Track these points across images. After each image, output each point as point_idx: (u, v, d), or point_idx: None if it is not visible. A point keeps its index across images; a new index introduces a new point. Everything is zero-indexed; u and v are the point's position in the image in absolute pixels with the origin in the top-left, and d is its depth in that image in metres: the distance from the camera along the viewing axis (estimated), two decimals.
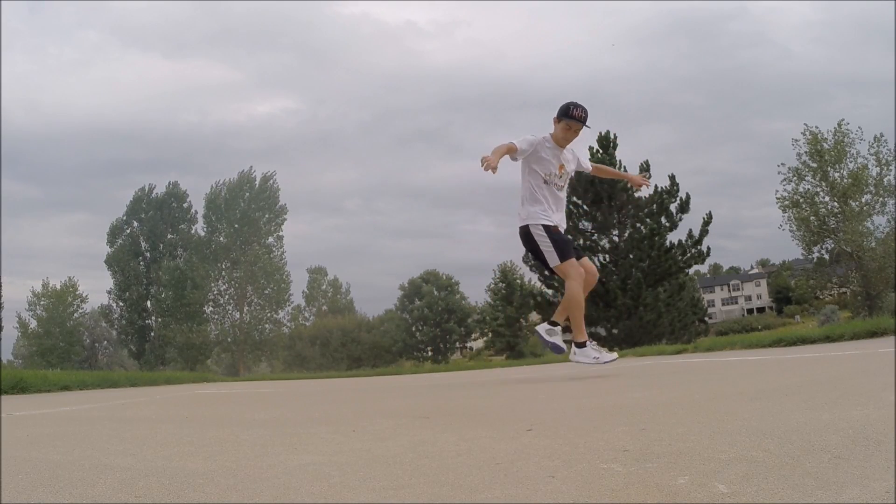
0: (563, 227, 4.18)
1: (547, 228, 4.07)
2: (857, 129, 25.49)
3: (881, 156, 25.14)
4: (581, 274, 4.04)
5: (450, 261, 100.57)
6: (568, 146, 4.15)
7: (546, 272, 5.58)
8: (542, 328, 4.32)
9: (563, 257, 4.02)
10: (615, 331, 20.63)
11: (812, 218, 25.66)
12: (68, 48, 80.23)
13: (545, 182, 4.11)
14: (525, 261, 22.66)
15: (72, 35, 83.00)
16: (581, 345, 4.11)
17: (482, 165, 3.66)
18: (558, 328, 4.28)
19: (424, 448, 1.60)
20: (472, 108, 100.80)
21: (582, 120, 3.99)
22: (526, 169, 4.13)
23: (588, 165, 4.48)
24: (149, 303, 43.14)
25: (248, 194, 43.55)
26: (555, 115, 4.07)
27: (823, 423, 1.50)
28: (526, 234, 4.13)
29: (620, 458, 1.29)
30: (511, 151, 3.97)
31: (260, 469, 1.45)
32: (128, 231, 43.39)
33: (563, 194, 4.25)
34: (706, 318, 36.55)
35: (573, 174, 4.35)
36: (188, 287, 40.66)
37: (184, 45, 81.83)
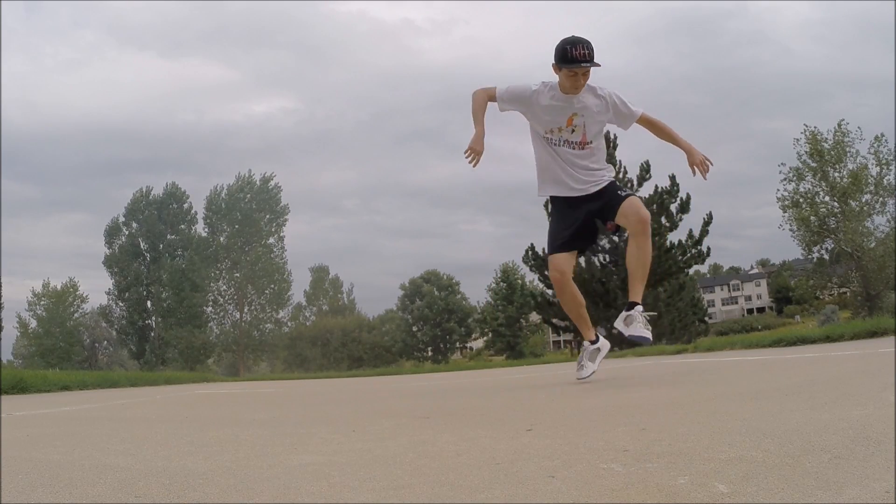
0: (588, 190, 3.37)
1: (554, 201, 3.50)
2: (856, 129, 25.55)
3: (881, 156, 25.17)
4: (554, 272, 3.42)
5: (450, 261, 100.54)
6: (594, 94, 3.30)
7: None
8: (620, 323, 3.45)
9: (548, 248, 3.50)
10: (615, 331, 20.62)
11: (812, 218, 25.68)
12: (64, 48, 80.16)
13: (548, 141, 3.36)
14: (525, 261, 22.67)
15: (68, 35, 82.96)
16: (591, 342, 3.61)
17: (467, 158, 3.27)
18: (634, 312, 3.36)
19: (424, 448, 1.60)
20: (470, 107, 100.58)
21: (588, 59, 3.11)
22: (531, 128, 3.47)
23: (635, 112, 3.39)
24: (149, 303, 43.20)
25: (248, 196, 43.63)
26: (553, 62, 3.22)
27: (823, 423, 1.50)
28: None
29: (620, 458, 1.29)
30: (492, 99, 3.37)
31: (260, 469, 1.45)
32: (126, 232, 43.43)
33: (587, 153, 3.36)
34: (706, 318, 36.57)
35: (602, 125, 3.38)
36: (187, 288, 40.72)
37: (180, 44, 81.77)
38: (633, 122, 3.43)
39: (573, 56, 3.10)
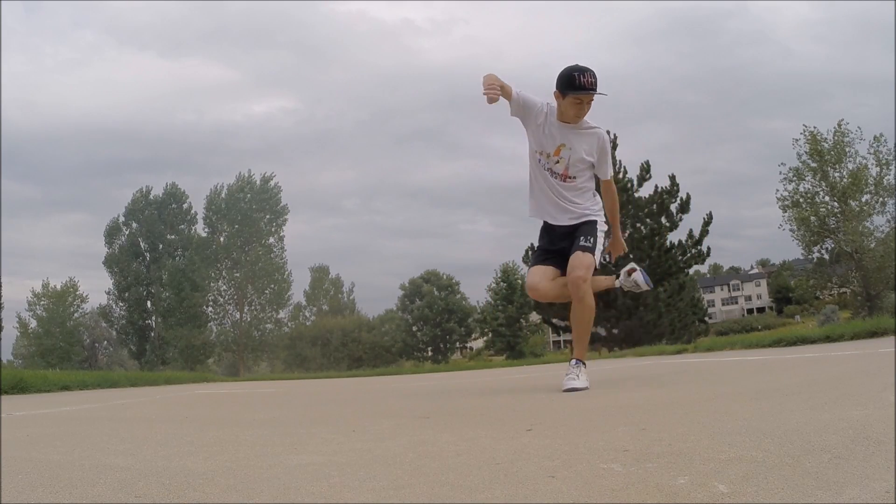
0: (566, 223, 3.34)
1: (543, 223, 3.47)
2: (856, 129, 25.57)
3: (881, 156, 25.18)
4: (530, 290, 3.45)
5: (450, 261, 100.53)
6: (589, 132, 3.29)
7: None
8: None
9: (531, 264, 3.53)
10: (615, 331, 20.65)
11: (812, 218, 25.69)
12: (64, 48, 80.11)
13: (538, 163, 3.33)
14: (525, 261, 22.66)
15: (68, 35, 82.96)
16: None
17: (485, 91, 3.08)
18: (570, 368, 3.30)
19: (424, 448, 1.60)
20: (470, 107, 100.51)
21: (594, 87, 3.11)
22: (529, 144, 3.40)
23: (605, 175, 3.42)
24: (149, 303, 43.24)
25: (248, 196, 43.65)
26: (555, 89, 3.20)
27: (823, 423, 1.50)
28: None
29: (620, 458, 1.29)
30: (507, 95, 3.28)
31: (260, 469, 1.45)
32: (126, 232, 43.48)
33: (571, 186, 3.32)
34: (706, 318, 36.55)
35: (587, 165, 3.33)
36: (187, 288, 40.76)
37: (180, 44, 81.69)
38: (601, 178, 3.45)
39: (581, 83, 3.09)
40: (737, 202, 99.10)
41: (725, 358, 6.44)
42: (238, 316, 43.02)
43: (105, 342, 45.46)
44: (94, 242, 70.47)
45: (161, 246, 43.38)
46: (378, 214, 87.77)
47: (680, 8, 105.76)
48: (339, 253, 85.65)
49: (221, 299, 43.39)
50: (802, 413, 1.71)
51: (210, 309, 43.08)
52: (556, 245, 3.40)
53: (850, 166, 25.46)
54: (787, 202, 26.36)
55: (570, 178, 3.32)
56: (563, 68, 3.18)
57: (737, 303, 74.80)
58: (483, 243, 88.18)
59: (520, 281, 46.61)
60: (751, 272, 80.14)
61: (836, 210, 25.60)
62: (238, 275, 42.95)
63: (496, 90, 3.13)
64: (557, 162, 3.29)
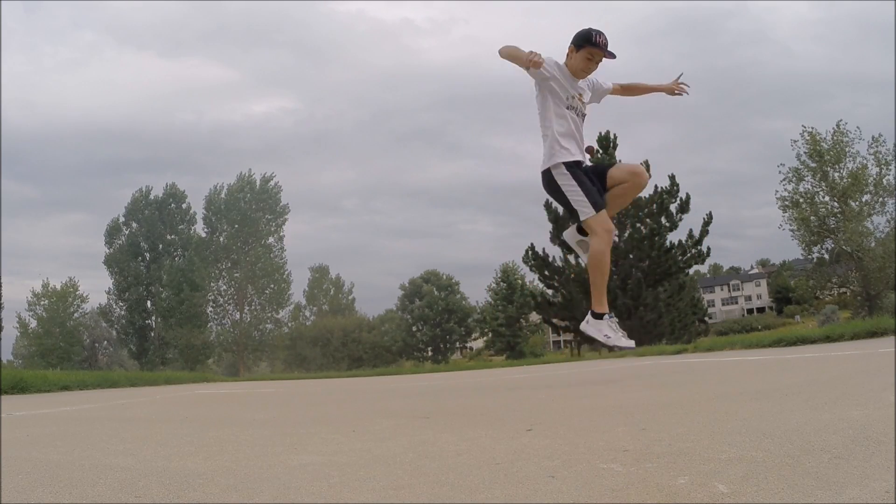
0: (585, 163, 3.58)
1: (573, 168, 3.44)
2: (855, 129, 25.56)
3: (880, 156, 25.17)
4: (610, 230, 3.43)
5: (450, 261, 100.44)
6: (584, 80, 3.55)
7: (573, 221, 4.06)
8: (587, 324, 3.39)
9: (595, 207, 3.38)
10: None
11: (812, 218, 25.68)
12: (64, 48, 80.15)
13: (568, 107, 3.45)
14: (525, 261, 22.64)
15: (67, 35, 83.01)
16: (598, 316, 3.33)
17: (529, 63, 3.25)
18: (605, 319, 3.29)
19: (424, 448, 1.60)
20: (470, 107, 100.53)
21: (606, 47, 3.38)
22: (542, 92, 3.52)
23: (610, 85, 3.72)
24: (149, 303, 43.22)
25: (248, 195, 43.64)
26: (570, 43, 3.46)
27: (823, 423, 1.50)
28: (549, 180, 3.47)
29: (620, 458, 1.29)
30: (536, 65, 3.37)
31: (260, 469, 1.45)
32: (126, 232, 43.46)
33: (583, 127, 3.69)
34: (706, 318, 36.57)
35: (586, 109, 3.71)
36: (187, 289, 40.73)
37: (179, 44, 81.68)
38: (608, 94, 3.72)
39: (597, 41, 3.36)
40: (737, 202, 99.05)
41: (725, 358, 6.44)
42: (238, 316, 42.99)
43: (105, 342, 45.41)
44: (94, 242, 70.48)
45: (161, 246, 43.36)
46: (378, 214, 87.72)
47: (680, 8, 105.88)
48: (339, 253, 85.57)
49: (221, 299, 43.37)
50: (802, 413, 1.71)
51: (210, 309, 43.06)
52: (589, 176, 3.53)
53: (850, 166, 25.46)
54: (787, 202, 26.35)
55: (585, 115, 3.59)
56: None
57: (737, 303, 74.77)
58: (483, 243, 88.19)
59: (520, 281, 46.59)
60: (751, 272, 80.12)
61: (836, 210, 25.58)
62: (238, 275, 42.92)
63: (538, 59, 3.29)
64: (581, 104, 3.55)
